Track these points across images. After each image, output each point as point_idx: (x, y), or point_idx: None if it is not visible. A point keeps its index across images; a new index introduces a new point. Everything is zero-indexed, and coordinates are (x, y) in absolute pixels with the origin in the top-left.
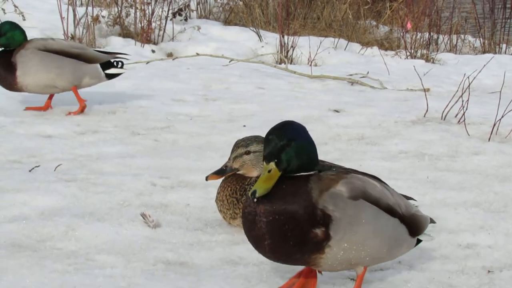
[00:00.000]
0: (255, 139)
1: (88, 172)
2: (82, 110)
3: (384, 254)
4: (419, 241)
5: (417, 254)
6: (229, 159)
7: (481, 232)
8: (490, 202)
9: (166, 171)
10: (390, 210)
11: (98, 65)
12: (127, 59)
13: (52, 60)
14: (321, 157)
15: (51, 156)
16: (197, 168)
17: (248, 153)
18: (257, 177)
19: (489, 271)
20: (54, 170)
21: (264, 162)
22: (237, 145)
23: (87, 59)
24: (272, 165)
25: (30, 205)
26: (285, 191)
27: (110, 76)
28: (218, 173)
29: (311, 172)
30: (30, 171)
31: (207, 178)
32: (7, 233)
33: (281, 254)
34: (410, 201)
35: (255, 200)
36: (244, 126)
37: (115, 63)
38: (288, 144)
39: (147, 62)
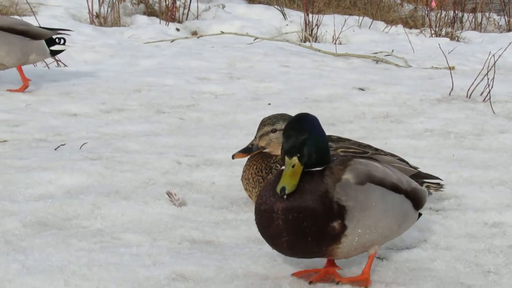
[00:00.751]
0: (281, 117)
1: (113, 151)
2: (24, 89)
3: (395, 231)
4: (420, 215)
5: (443, 233)
6: (255, 137)
7: (507, 211)
8: None
9: (192, 149)
10: (395, 187)
11: (44, 42)
12: (69, 35)
13: (0, 37)
14: (346, 135)
15: (77, 134)
16: (222, 146)
17: (274, 131)
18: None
19: None
20: (80, 148)
21: (286, 157)
22: (263, 123)
23: (33, 36)
24: (295, 159)
25: (56, 184)
26: (303, 188)
27: (54, 53)
28: (245, 151)
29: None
30: (55, 149)
31: (233, 157)
32: (33, 212)
33: (299, 250)
34: (437, 180)
35: (285, 196)
36: (269, 104)
37: (57, 40)
38: (308, 137)
39: (172, 41)
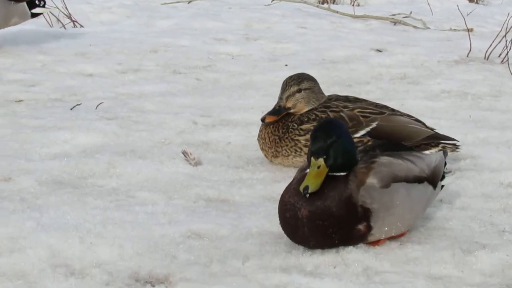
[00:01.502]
0: (304, 76)
1: (129, 110)
2: None
3: (420, 216)
4: (442, 186)
5: (459, 193)
6: (281, 98)
7: None
8: None
9: (208, 109)
10: (418, 179)
11: (25, 4)
12: None
13: None
14: (363, 96)
15: (93, 94)
16: (239, 107)
17: (299, 91)
18: (299, 119)
19: None
20: (96, 108)
21: (312, 158)
22: (288, 83)
23: None
24: (321, 161)
25: (71, 143)
26: (327, 194)
27: (34, 15)
28: (274, 113)
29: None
30: (71, 109)
31: (263, 120)
32: (49, 170)
33: (327, 247)
34: (453, 142)
35: (307, 195)
36: (286, 65)
37: (37, 2)
38: (336, 141)
39: (189, 2)
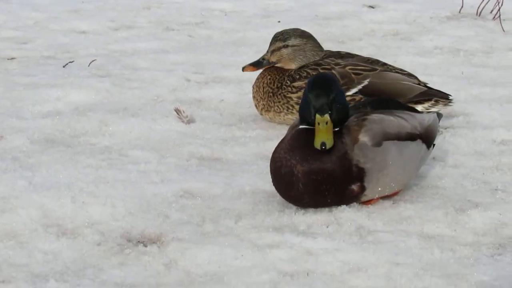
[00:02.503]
0: (293, 32)
1: (122, 68)
2: None
3: (413, 176)
4: (433, 145)
5: (451, 150)
6: (267, 52)
7: None
8: None
9: (200, 66)
10: (411, 136)
11: None
12: None
13: None
14: (355, 53)
15: (85, 51)
16: (232, 63)
17: (286, 46)
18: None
19: None
20: (88, 65)
21: (318, 115)
22: (275, 38)
23: None
24: (327, 116)
25: (63, 101)
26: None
27: None
28: (255, 65)
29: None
30: (64, 66)
31: (243, 69)
32: (41, 128)
33: (320, 206)
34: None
35: (326, 149)
36: (279, 21)
37: None
38: (336, 96)
39: None
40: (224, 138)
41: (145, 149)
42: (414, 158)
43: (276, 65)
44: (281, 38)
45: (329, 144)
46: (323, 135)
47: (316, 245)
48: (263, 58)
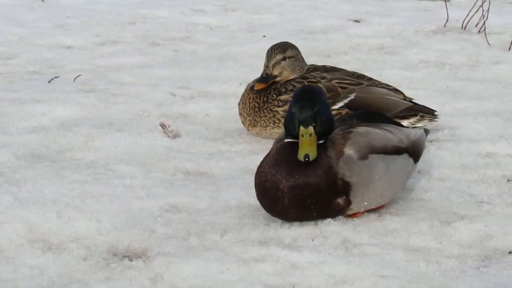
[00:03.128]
0: (288, 45)
1: (107, 83)
2: None
3: (399, 191)
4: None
5: (436, 163)
6: (267, 66)
7: (500, 141)
8: (510, 111)
9: (186, 81)
10: (397, 150)
11: None
12: None
13: None
14: (341, 67)
15: (71, 66)
16: (217, 78)
17: (285, 59)
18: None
19: (508, 180)
20: (74, 80)
21: (302, 127)
22: (274, 51)
23: None
24: (311, 129)
25: (49, 116)
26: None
27: None
28: (263, 81)
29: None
30: (49, 82)
31: (252, 88)
32: (26, 144)
33: (305, 220)
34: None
35: (309, 161)
36: (264, 36)
37: None
38: (320, 108)
39: None
40: (209, 152)
41: (130, 164)
42: (401, 173)
43: (277, 78)
44: (280, 50)
45: (312, 156)
46: (307, 147)
47: (302, 258)
48: (266, 73)
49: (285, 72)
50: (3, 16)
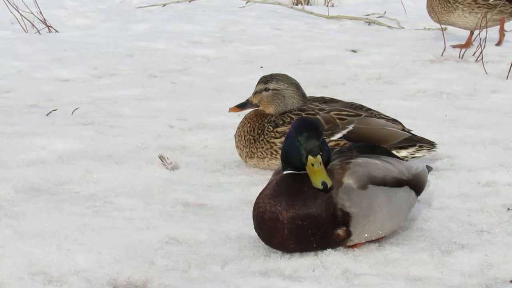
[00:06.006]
0: (276, 76)
1: (105, 115)
2: None
3: (401, 223)
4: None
5: (436, 193)
6: (252, 93)
7: (500, 170)
8: (509, 140)
9: (184, 113)
10: (398, 182)
11: None
12: None
13: None
14: (339, 97)
15: (68, 99)
16: (215, 109)
17: (267, 89)
18: (274, 118)
19: (508, 209)
20: (72, 113)
21: (310, 156)
22: (259, 81)
23: None
24: (319, 158)
25: (47, 149)
26: (306, 193)
27: None
28: (240, 106)
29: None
30: (47, 115)
31: (229, 110)
32: (25, 177)
33: (305, 251)
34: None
35: (327, 188)
36: (261, 67)
37: None
38: (323, 139)
39: (164, 5)
40: (208, 184)
41: (130, 196)
42: (402, 205)
43: (258, 108)
44: (263, 80)
45: (329, 183)
46: (321, 175)
47: None
48: (247, 100)
49: (263, 103)
50: (1, 49)
